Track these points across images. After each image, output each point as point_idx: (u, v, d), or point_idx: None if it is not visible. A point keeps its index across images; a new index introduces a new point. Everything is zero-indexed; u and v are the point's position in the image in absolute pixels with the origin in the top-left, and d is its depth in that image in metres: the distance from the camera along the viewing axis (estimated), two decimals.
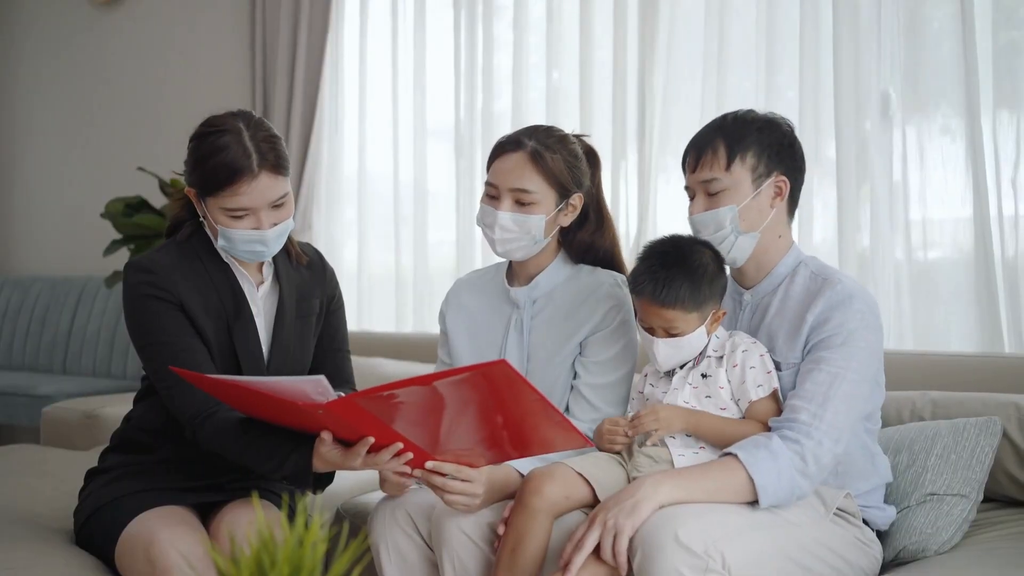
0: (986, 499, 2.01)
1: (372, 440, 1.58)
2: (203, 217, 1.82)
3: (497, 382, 1.48)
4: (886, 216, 2.67)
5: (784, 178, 1.78)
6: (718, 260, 1.75)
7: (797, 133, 1.83)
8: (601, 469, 1.72)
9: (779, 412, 1.70)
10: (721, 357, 1.73)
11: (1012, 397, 2.06)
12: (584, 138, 2.00)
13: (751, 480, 1.59)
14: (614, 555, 1.54)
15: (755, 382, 1.70)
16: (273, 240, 1.79)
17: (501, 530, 1.68)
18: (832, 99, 2.72)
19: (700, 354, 1.75)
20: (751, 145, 1.76)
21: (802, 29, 2.78)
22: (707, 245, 1.76)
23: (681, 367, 1.76)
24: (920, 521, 1.85)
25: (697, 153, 1.80)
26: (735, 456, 1.61)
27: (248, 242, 1.77)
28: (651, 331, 1.73)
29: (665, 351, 1.72)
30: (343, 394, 1.56)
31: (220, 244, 1.80)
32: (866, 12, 2.69)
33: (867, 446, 1.80)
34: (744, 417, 1.71)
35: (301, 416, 1.59)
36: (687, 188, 1.83)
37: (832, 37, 2.72)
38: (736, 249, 1.78)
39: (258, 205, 1.75)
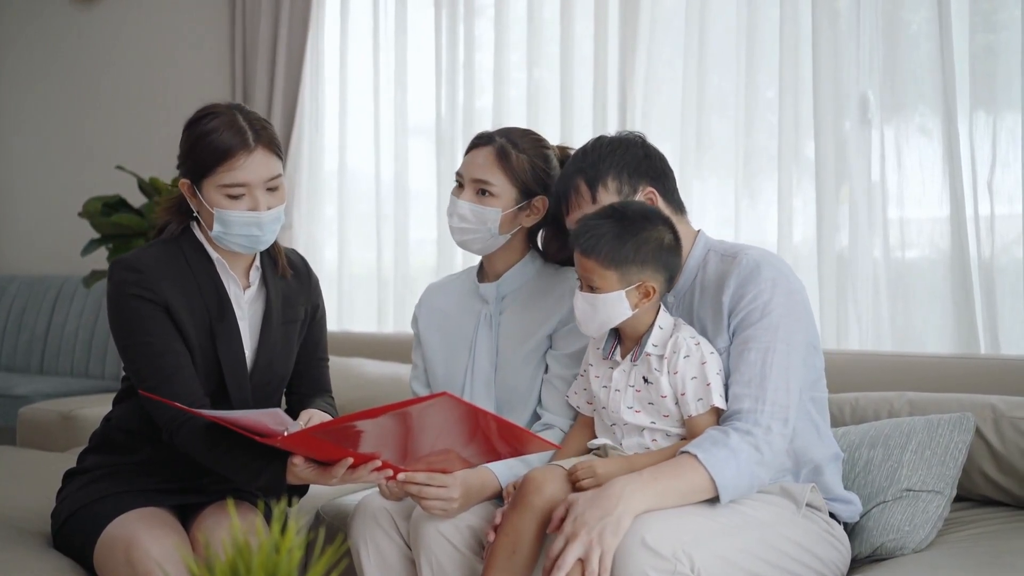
0: (960, 498, 2.03)
1: (351, 461, 1.60)
2: (196, 211, 1.80)
3: (444, 412, 1.49)
4: (864, 216, 2.69)
5: (651, 188, 1.80)
6: (672, 237, 1.70)
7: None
8: None
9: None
10: (662, 357, 1.69)
11: (988, 398, 2.08)
12: (568, 149, 2.01)
13: (712, 480, 1.59)
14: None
15: (695, 396, 1.67)
16: (268, 225, 1.77)
17: (492, 537, 1.66)
18: (811, 100, 2.74)
19: (639, 346, 1.71)
20: (608, 170, 1.78)
21: (782, 30, 2.79)
22: (666, 222, 1.71)
23: (621, 359, 1.73)
24: (898, 518, 1.87)
25: (565, 198, 1.83)
26: (695, 457, 1.60)
27: (245, 225, 1.75)
28: (580, 284, 1.71)
29: (581, 305, 1.69)
30: (302, 425, 1.61)
31: (216, 231, 1.77)
32: (845, 14, 2.70)
33: (811, 416, 1.78)
34: (684, 427, 1.69)
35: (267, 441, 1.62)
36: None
37: (812, 38, 2.73)
38: None
39: (254, 181, 1.75)
